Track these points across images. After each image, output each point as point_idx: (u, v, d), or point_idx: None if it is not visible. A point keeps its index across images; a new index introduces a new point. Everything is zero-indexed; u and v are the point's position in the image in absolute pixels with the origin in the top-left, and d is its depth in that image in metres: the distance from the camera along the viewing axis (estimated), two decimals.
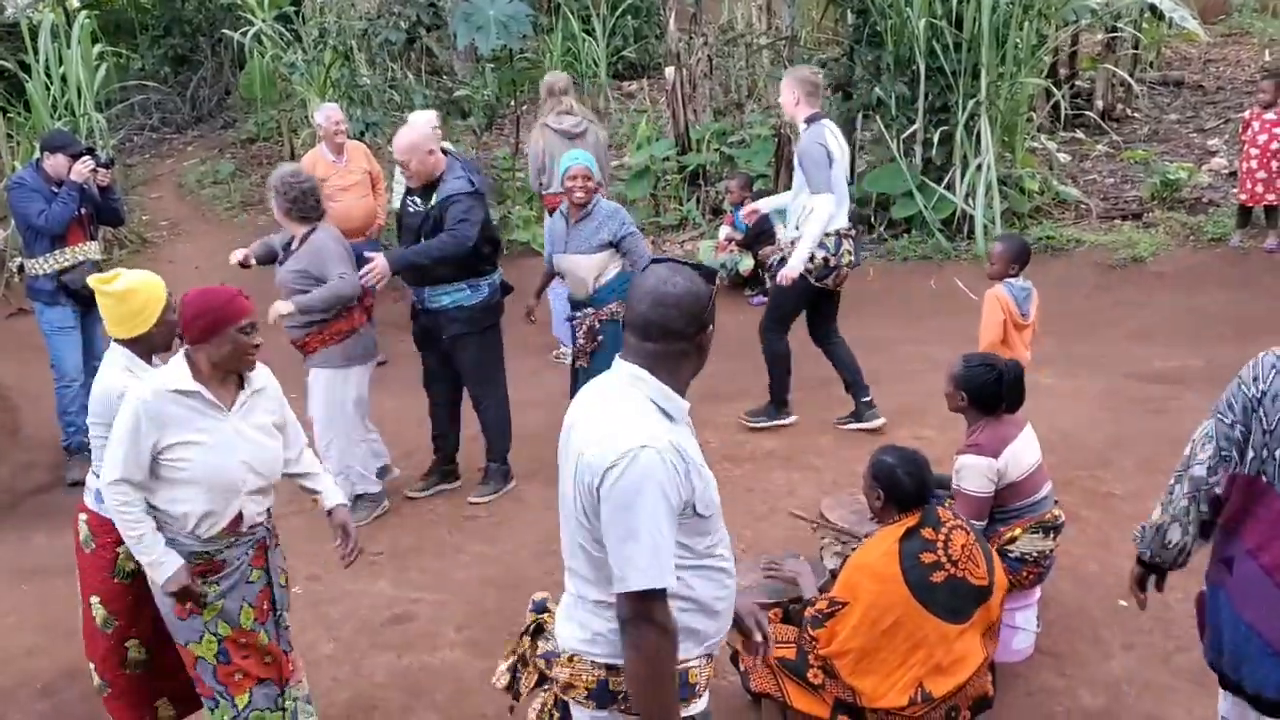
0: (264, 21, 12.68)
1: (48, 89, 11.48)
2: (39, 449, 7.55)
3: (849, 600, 3.57)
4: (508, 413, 6.39)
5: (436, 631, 4.97)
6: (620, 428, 2.52)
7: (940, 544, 3.60)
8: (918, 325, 8.61)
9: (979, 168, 9.63)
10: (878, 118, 10.17)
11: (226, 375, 3.56)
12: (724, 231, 8.64)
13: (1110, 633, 4.45)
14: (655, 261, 2.69)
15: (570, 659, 2.68)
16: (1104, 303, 8.81)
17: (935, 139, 9.91)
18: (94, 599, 3.91)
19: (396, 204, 7.63)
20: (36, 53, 11.46)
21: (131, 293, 3.75)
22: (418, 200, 6.05)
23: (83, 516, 3.95)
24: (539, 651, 2.84)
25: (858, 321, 8.97)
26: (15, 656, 5.07)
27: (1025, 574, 4.20)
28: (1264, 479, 2.70)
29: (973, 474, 4.16)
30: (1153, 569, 3.06)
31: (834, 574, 3.92)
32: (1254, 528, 2.73)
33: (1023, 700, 4.09)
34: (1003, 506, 4.20)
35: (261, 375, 3.69)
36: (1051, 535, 4.26)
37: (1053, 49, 11.25)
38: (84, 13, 12.85)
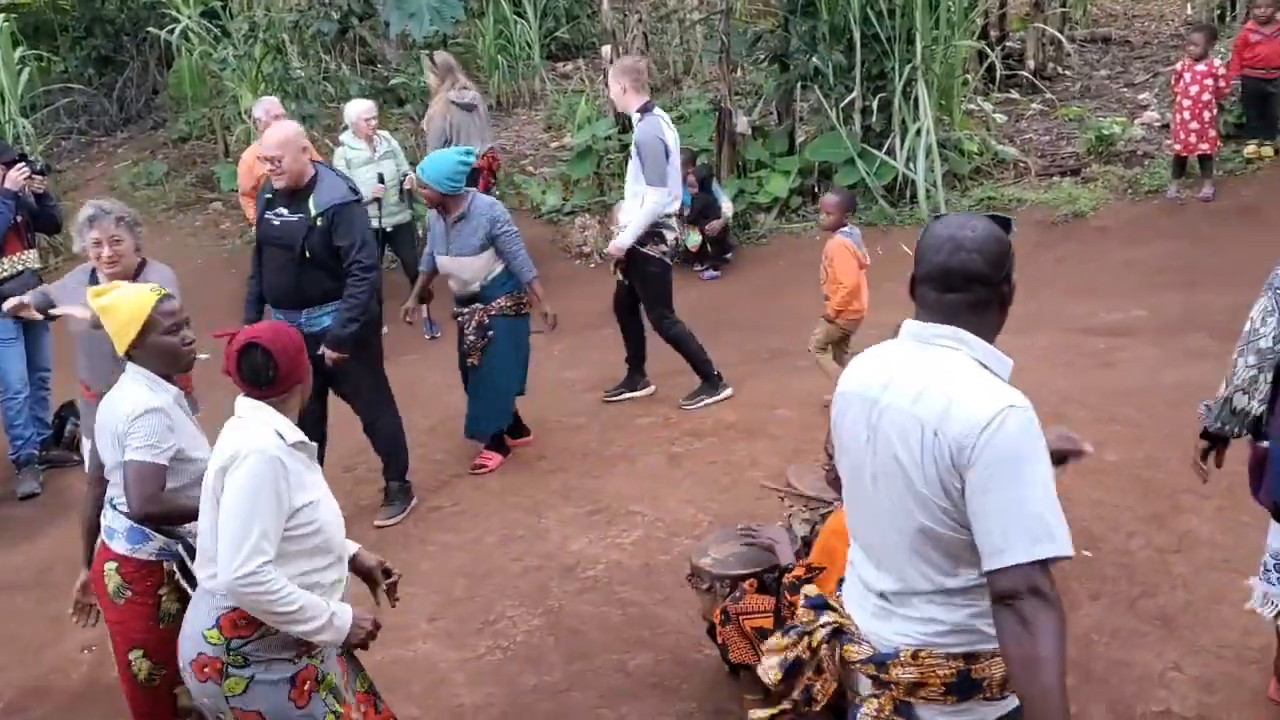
0: (190, 18, 12.44)
1: None
2: None
3: (826, 566, 3.57)
4: (401, 428, 6.03)
5: (408, 624, 4.91)
6: (973, 391, 2.27)
7: None
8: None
9: (918, 132, 9.69)
10: (816, 87, 10.21)
11: None
12: None
13: (1077, 584, 4.51)
14: (939, 217, 2.48)
15: (914, 655, 2.40)
16: (1047, 259, 8.90)
17: (874, 106, 9.97)
18: (134, 654, 3.51)
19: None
20: None
21: (114, 307, 3.42)
22: (284, 210, 5.44)
23: (110, 565, 3.51)
24: (856, 658, 2.50)
25: (805, 292, 8.96)
26: None
27: None
28: None
29: None
30: (1215, 441, 3.46)
31: (806, 541, 3.93)
32: None
33: None
34: None
35: None
36: None
37: (983, 11, 11.34)
38: (0, 15, 12.53)
